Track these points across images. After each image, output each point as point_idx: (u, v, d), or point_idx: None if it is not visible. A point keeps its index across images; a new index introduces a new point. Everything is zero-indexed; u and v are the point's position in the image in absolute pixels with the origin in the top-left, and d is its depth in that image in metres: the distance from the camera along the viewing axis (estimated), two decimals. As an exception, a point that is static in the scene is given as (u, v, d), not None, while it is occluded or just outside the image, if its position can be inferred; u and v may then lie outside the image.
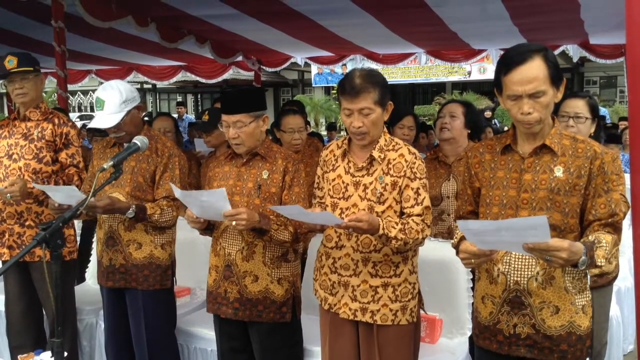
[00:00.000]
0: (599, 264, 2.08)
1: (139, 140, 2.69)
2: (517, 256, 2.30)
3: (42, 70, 3.74)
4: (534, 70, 2.16)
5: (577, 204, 2.24)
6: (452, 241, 2.46)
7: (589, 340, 2.34)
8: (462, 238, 2.27)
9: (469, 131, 3.74)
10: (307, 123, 4.81)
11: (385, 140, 2.72)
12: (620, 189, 3.28)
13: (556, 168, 2.24)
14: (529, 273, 2.29)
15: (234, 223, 2.68)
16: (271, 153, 2.99)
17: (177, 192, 2.76)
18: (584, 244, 2.06)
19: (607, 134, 6.17)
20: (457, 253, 2.25)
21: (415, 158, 2.68)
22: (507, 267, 2.32)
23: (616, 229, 2.23)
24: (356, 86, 2.59)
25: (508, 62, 2.21)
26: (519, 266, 2.30)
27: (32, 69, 3.57)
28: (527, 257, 2.28)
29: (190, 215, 2.84)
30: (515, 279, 2.31)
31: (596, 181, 2.22)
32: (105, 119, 3.19)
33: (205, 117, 4.58)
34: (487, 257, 2.14)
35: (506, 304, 2.34)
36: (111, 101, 3.19)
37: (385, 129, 2.78)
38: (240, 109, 2.88)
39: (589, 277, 2.49)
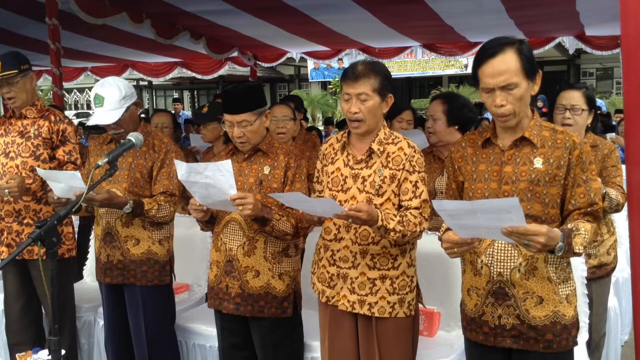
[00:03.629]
0: (577, 250, 2.11)
1: (133, 136, 2.68)
2: (499, 248, 2.32)
3: (37, 68, 3.73)
4: (506, 63, 2.19)
5: (557, 194, 2.26)
6: (439, 234, 2.47)
7: (574, 329, 2.35)
8: (447, 230, 2.29)
9: (457, 126, 3.60)
10: (306, 118, 4.81)
11: (385, 134, 2.73)
12: (618, 180, 3.30)
13: (536, 159, 2.27)
14: (512, 264, 2.30)
15: (240, 208, 2.67)
16: (273, 149, 2.99)
17: (183, 168, 2.69)
18: (562, 231, 2.08)
19: (601, 121, 6.17)
20: (442, 244, 2.26)
21: (415, 152, 2.69)
22: (490, 259, 2.34)
23: (596, 217, 2.26)
24: (357, 71, 2.63)
25: (481, 55, 2.25)
26: (502, 258, 2.32)
27: (16, 71, 3.51)
28: (509, 248, 2.30)
29: (194, 203, 2.82)
30: (499, 270, 2.32)
31: (575, 171, 2.24)
32: (105, 115, 3.19)
33: (205, 110, 4.56)
34: (469, 245, 2.15)
35: (490, 296, 2.35)
36: (111, 97, 3.19)
37: (385, 123, 2.79)
38: (244, 108, 2.87)
39: (578, 266, 2.50)
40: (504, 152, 2.33)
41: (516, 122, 2.28)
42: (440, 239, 2.37)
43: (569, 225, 2.18)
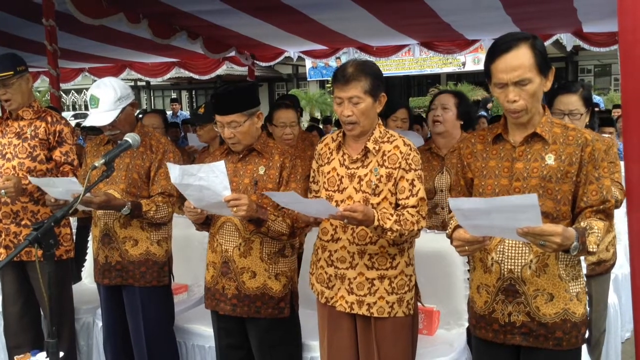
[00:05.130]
0: (591, 249, 2.10)
1: (130, 137, 2.67)
2: (510, 245, 2.31)
3: (35, 70, 3.72)
4: (520, 58, 2.18)
5: (569, 191, 2.25)
6: (447, 231, 2.46)
7: (584, 327, 2.34)
8: (457, 227, 2.27)
9: (462, 122, 3.67)
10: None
11: (380, 132, 2.72)
12: (616, 177, 3.29)
13: (547, 156, 2.25)
14: (523, 261, 2.29)
15: (234, 210, 2.66)
16: (267, 149, 2.97)
17: (175, 170, 2.67)
18: (576, 230, 2.07)
19: (600, 117, 6.17)
20: (452, 242, 2.25)
21: (410, 149, 2.68)
22: (500, 255, 2.33)
23: (608, 215, 2.24)
24: (347, 74, 2.61)
25: (495, 50, 2.23)
26: (513, 255, 2.30)
27: (12, 72, 3.51)
28: (520, 245, 2.29)
29: (188, 205, 2.81)
30: (509, 267, 2.31)
31: (587, 168, 2.23)
32: (100, 116, 3.18)
33: (201, 111, 4.56)
34: (480, 243, 2.14)
35: (501, 293, 2.34)
36: (106, 99, 3.18)
37: (380, 121, 2.77)
38: (233, 109, 2.86)
39: (583, 264, 2.49)
40: (515, 149, 2.31)
41: (528, 118, 2.26)
42: (449, 236, 2.35)
43: (582, 224, 2.16)
